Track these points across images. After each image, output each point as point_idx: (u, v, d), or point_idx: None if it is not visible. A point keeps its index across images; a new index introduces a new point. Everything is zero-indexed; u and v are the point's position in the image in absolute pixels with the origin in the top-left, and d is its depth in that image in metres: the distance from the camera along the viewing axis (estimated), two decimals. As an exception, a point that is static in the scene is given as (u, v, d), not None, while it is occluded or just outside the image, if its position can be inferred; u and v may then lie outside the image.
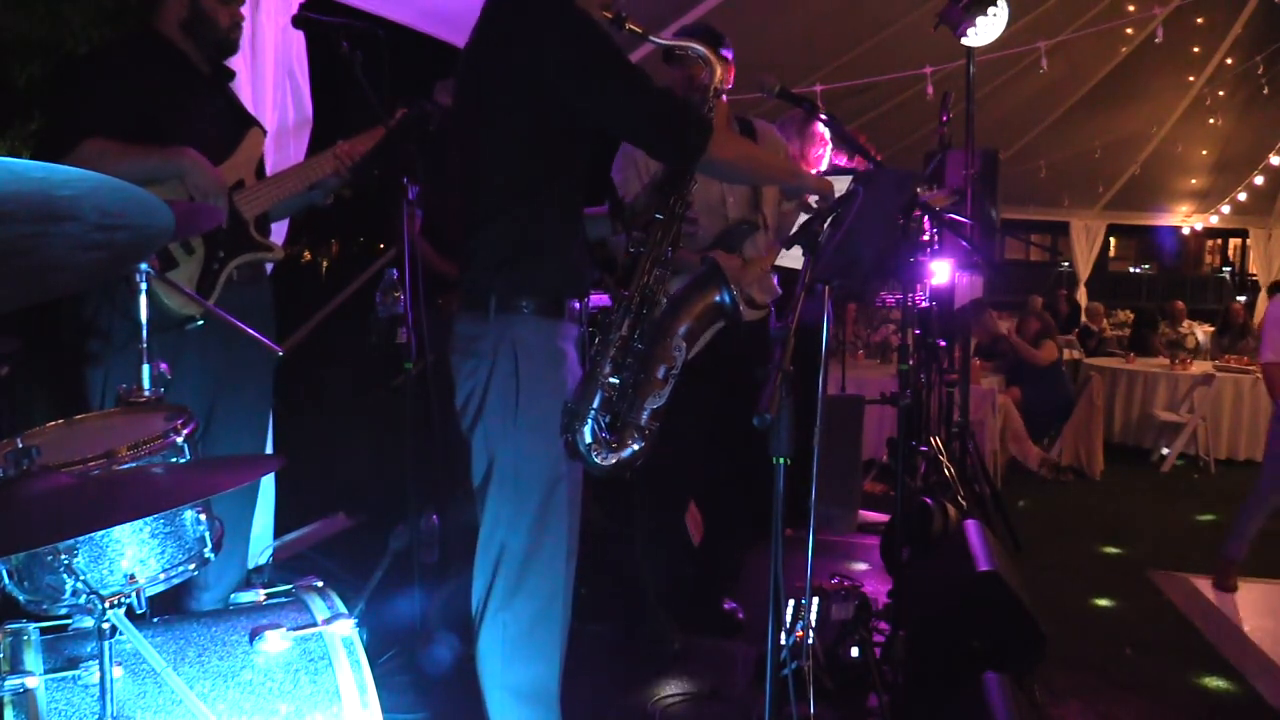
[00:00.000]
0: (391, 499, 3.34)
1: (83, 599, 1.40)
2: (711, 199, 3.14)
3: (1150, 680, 3.26)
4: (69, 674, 1.34)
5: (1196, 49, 8.66)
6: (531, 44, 1.98)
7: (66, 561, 1.40)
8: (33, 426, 1.80)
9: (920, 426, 4.16)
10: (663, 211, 2.16)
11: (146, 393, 1.96)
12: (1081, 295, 11.55)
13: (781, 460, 1.67)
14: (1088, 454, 6.36)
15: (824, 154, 4.20)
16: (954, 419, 4.71)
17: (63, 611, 1.47)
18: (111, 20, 4.94)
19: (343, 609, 1.56)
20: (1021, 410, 6.31)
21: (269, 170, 2.78)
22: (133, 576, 1.48)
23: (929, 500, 3.69)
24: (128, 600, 1.40)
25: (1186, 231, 12.99)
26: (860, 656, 2.83)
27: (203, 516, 1.61)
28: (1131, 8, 7.42)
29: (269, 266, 2.75)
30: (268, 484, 3.50)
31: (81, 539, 1.42)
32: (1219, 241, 26.46)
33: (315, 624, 1.52)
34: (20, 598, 1.49)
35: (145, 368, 1.99)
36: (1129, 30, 7.87)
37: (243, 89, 3.12)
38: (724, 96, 2.22)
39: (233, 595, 1.61)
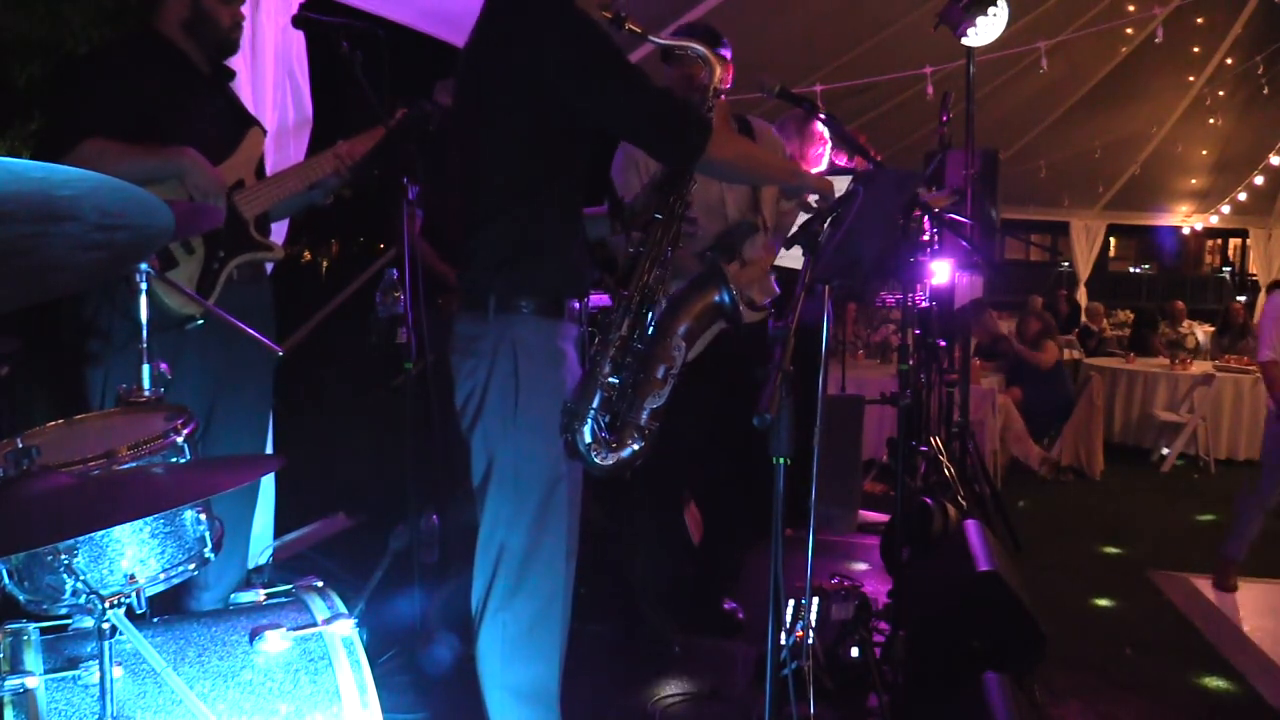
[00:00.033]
0: (391, 499, 3.34)
1: (83, 599, 1.40)
2: (711, 199, 3.14)
3: (1150, 680, 3.26)
4: (69, 674, 1.34)
5: (1196, 49, 8.66)
6: (531, 44, 1.98)
7: (66, 561, 1.40)
8: (33, 426, 1.80)
9: (920, 426, 4.16)
10: (662, 211, 2.16)
11: (146, 393, 1.96)
12: (1081, 295, 11.56)
13: (781, 460, 1.67)
14: (1088, 454, 6.36)
15: (823, 153, 4.20)
16: (954, 419, 4.71)
17: (63, 611, 1.47)
18: (111, 20, 4.94)
19: (343, 609, 1.56)
20: (1021, 410, 6.31)
21: (269, 170, 2.78)
22: (133, 576, 1.48)
23: (929, 500, 3.69)
24: (128, 600, 1.40)
25: (1186, 231, 12.99)
26: (860, 656, 2.83)
27: (203, 516, 1.61)
28: (1131, 8, 7.42)
29: (269, 266, 2.75)
30: (268, 484, 3.49)
31: (81, 539, 1.42)
32: (1219, 241, 26.47)
33: (315, 624, 1.52)
34: (20, 598, 1.48)
35: (145, 368, 1.99)
36: (1129, 30, 7.88)
37: (243, 89, 3.12)
38: (723, 96, 2.21)
39: (233, 595, 1.61)
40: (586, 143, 2.11)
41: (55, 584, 1.45)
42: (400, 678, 2.81)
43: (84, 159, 2.23)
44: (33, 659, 1.35)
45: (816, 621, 2.77)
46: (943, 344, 4.43)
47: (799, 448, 1.69)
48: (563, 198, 2.10)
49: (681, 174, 2.18)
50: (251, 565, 3.05)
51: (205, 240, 2.44)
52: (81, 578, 1.40)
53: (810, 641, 2.10)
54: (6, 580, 1.48)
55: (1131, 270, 27.20)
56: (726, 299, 2.10)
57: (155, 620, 1.50)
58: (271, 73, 3.41)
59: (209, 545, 1.62)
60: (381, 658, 2.85)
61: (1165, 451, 6.76)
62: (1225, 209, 11.41)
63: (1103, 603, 4.03)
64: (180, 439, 1.66)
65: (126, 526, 1.47)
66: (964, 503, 4.04)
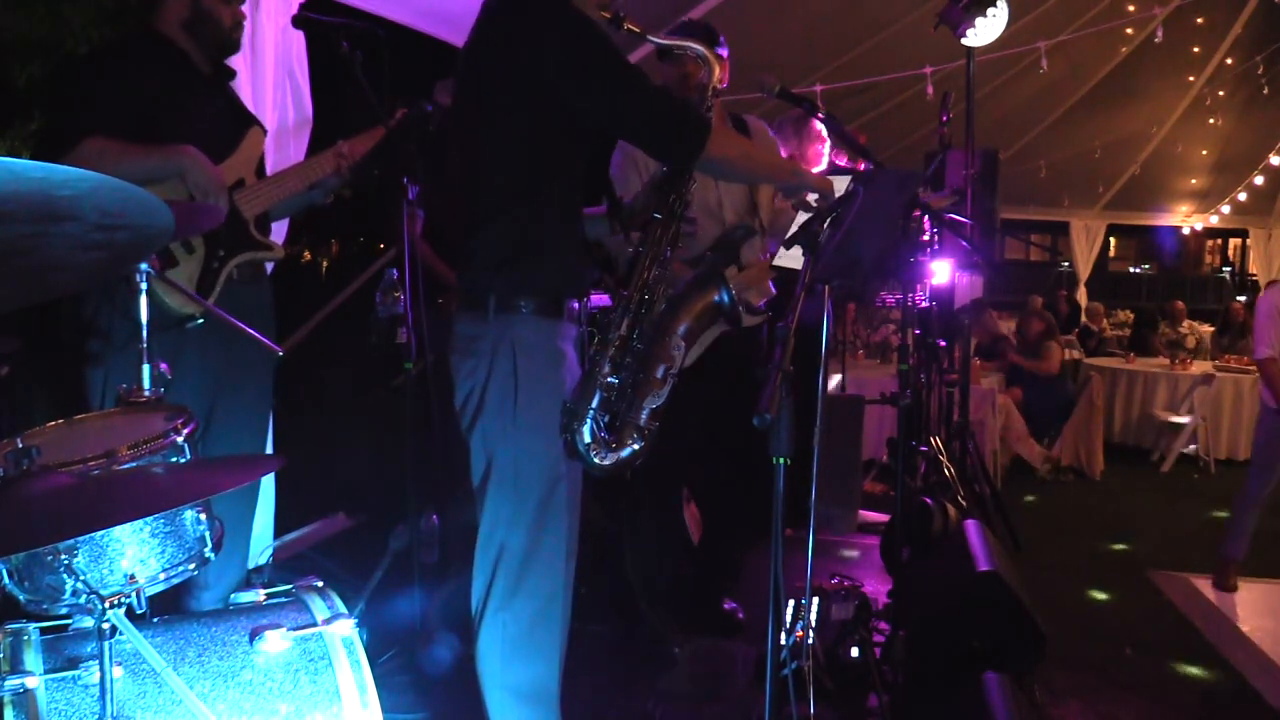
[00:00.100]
0: (391, 499, 3.34)
1: (83, 599, 1.40)
2: (709, 202, 3.14)
3: (1150, 680, 3.26)
4: (69, 674, 1.34)
5: (1196, 49, 8.66)
6: (531, 44, 1.98)
7: (66, 561, 1.40)
8: (33, 426, 1.80)
9: (920, 426, 4.16)
10: (662, 211, 2.16)
11: (146, 393, 1.96)
12: (1081, 295, 11.56)
13: (781, 460, 1.67)
14: (1088, 454, 6.36)
15: (823, 151, 4.20)
16: (954, 419, 4.71)
17: (63, 611, 1.47)
18: (111, 20, 4.94)
19: (343, 609, 1.56)
20: (1021, 410, 6.31)
21: (269, 170, 2.78)
22: (133, 576, 1.48)
23: (929, 500, 3.69)
24: (128, 600, 1.40)
25: (1186, 231, 13.00)
26: (860, 656, 2.82)
27: (203, 516, 1.61)
28: (1131, 8, 7.42)
29: (269, 266, 2.75)
30: (268, 484, 3.49)
31: (81, 539, 1.43)
32: (1219, 241, 26.46)
33: (315, 624, 1.52)
34: (20, 598, 1.48)
35: (145, 368, 1.99)
36: (1129, 30, 7.88)
37: (243, 89, 3.12)
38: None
39: (233, 595, 1.61)
40: (586, 143, 2.12)
41: (55, 584, 1.45)
42: (400, 678, 2.81)
43: (84, 158, 2.23)
44: (33, 659, 1.35)
45: (816, 621, 2.77)
46: (943, 344, 4.43)
47: (799, 448, 1.69)
48: (562, 198, 2.10)
49: (681, 173, 2.18)
50: (251, 565, 3.05)
51: (205, 240, 2.44)
52: (81, 578, 1.40)
53: (810, 641, 2.10)
54: (6, 580, 1.48)
55: (1131, 270, 27.19)
56: (726, 299, 2.10)
57: (155, 620, 1.50)
58: (271, 73, 3.41)
59: (209, 545, 1.62)
60: (381, 658, 2.85)
61: (1192, 448, 6.67)
62: (1225, 209, 11.41)
63: (1103, 603, 4.03)
64: (180, 439, 1.66)
65: (126, 526, 1.47)
66: (964, 503, 4.04)
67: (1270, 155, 9.85)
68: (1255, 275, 14.49)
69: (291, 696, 1.44)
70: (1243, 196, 10.95)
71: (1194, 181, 11.28)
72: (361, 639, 1.55)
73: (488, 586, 2.09)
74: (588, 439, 2.02)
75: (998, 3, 4.65)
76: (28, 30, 4.89)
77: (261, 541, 3.47)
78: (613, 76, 2.02)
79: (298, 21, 2.89)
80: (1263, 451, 4.12)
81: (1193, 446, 6.68)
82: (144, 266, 2.00)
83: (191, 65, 2.53)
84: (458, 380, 2.13)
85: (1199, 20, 8.04)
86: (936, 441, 4.27)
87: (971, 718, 2.16)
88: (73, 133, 2.30)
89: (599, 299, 2.73)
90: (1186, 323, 9.78)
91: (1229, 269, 26.68)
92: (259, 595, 1.59)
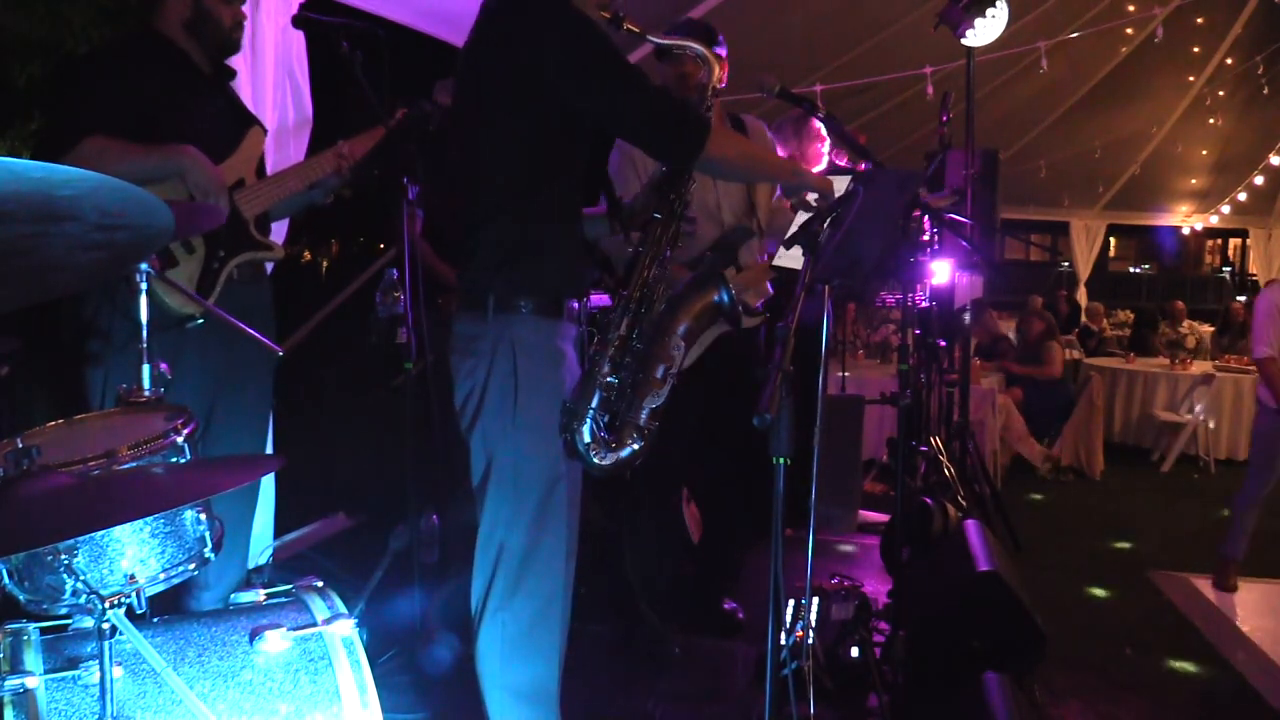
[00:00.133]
0: (391, 499, 3.34)
1: (83, 599, 1.40)
2: (707, 203, 3.14)
3: (1150, 680, 3.26)
4: (69, 674, 1.34)
5: (1196, 49, 8.66)
6: (531, 44, 1.98)
7: (66, 561, 1.40)
8: (33, 426, 1.80)
9: (920, 426, 4.16)
10: (661, 211, 2.16)
11: (146, 393, 1.96)
12: (1081, 295, 11.56)
13: (781, 460, 1.67)
14: (1088, 454, 6.36)
15: (823, 151, 4.20)
16: (954, 419, 4.71)
17: (63, 611, 1.47)
18: (111, 20, 4.95)
19: (343, 609, 1.56)
20: (1022, 410, 6.31)
21: (269, 170, 2.78)
22: (133, 576, 1.48)
23: (929, 500, 3.69)
24: (128, 600, 1.40)
25: (1186, 231, 13.00)
26: (860, 656, 2.82)
27: (203, 516, 1.61)
28: (1131, 8, 7.42)
29: (269, 266, 2.75)
30: (268, 484, 3.49)
31: (81, 539, 1.42)
32: (1219, 241, 26.46)
33: (315, 624, 1.52)
34: (20, 598, 1.48)
35: (145, 368, 1.99)
36: (1129, 30, 7.88)
37: (243, 89, 3.12)
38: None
39: (233, 595, 1.61)
40: (586, 143, 2.12)
41: (55, 584, 1.45)
42: (400, 678, 2.81)
43: (84, 158, 2.23)
44: (33, 659, 1.35)
45: (816, 621, 2.77)
46: (943, 344, 4.43)
47: (799, 448, 1.69)
48: (562, 197, 2.10)
49: (680, 173, 2.18)
50: (251, 565, 3.05)
51: (205, 240, 2.44)
52: (81, 578, 1.40)
53: (810, 641, 2.10)
54: (6, 580, 1.48)
55: (1131, 270, 27.19)
56: (726, 299, 2.10)
57: (155, 620, 1.50)
58: (271, 73, 3.41)
59: (209, 545, 1.62)
60: (381, 658, 2.85)
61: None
62: (1225, 209, 11.42)
63: (1103, 602, 4.03)
64: (180, 439, 1.66)
65: (126, 526, 1.47)
66: (964, 503, 4.04)
67: (1270, 155, 9.85)
68: (1255, 275, 14.50)
69: (291, 696, 1.44)
70: (1243, 196, 10.96)
71: (1194, 181, 11.29)
72: (361, 639, 1.55)
73: (487, 586, 2.09)
74: (587, 439, 2.02)
75: (998, 3, 4.65)
76: (28, 30, 4.90)
77: (261, 541, 3.47)
78: (612, 76, 2.02)
79: (298, 21, 2.89)
80: (1262, 451, 4.13)
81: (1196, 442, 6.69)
82: (144, 266, 2.00)
83: (192, 65, 2.53)
84: (457, 380, 2.13)
85: (1199, 20, 8.05)
86: (936, 441, 4.27)
87: (971, 718, 2.16)
88: (73, 132, 2.30)
89: (599, 299, 2.73)
90: (1186, 323, 9.77)
91: (1229, 269, 26.68)
92: (259, 595, 1.59)
